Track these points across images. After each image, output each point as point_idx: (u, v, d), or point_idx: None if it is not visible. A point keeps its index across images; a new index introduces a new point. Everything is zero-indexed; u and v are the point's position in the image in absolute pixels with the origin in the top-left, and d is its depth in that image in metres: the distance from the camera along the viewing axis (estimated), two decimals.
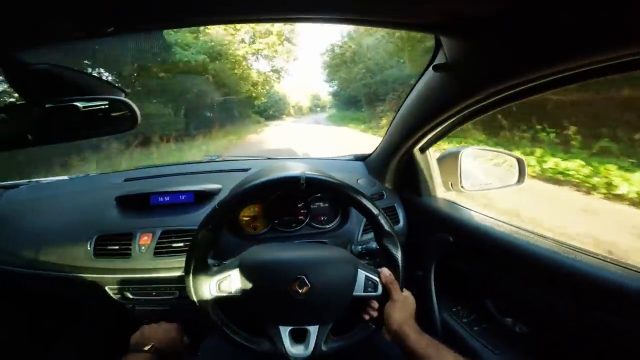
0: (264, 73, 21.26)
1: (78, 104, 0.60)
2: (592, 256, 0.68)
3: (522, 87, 0.61)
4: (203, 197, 1.13)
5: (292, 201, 1.12)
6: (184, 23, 0.52)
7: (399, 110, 1.02)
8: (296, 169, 0.86)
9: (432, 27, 0.62)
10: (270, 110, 32.64)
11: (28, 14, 0.39)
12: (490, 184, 1.16)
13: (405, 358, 0.68)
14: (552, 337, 0.75)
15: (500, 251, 0.83)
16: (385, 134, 1.15)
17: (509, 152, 1.16)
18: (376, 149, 1.27)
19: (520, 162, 1.12)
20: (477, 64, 0.63)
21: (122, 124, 0.63)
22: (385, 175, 1.21)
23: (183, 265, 0.97)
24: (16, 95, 0.59)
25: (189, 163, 1.51)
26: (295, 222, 1.11)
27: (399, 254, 0.74)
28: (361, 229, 1.08)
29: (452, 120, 0.85)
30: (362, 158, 1.40)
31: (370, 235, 1.06)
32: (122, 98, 0.61)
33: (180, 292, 1.02)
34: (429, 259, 1.02)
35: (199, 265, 0.72)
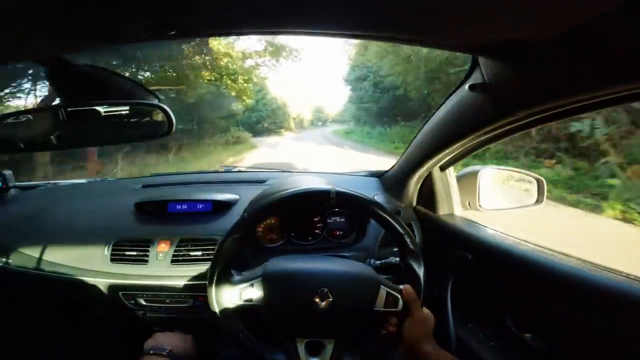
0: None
1: (117, 107, 0.60)
2: (616, 273, 0.68)
3: (558, 110, 0.62)
4: (221, 207, 1.14)
5: (309, 215, 1.12)
6: (236, 31, 0.52)
7: (422, 127, 1.03)
8: (316, 183, 0.85)
9: (472, 49, 0.63)
10: (265, 122, 29.00)
11: (96, 14, 0.38)
12: (509, 204, 1.16)
13: None
14: (572, 353, 0.74)
15: (520, 269, 0.82)
16: (405, 150, 1.16)
17: (528, 172, 1.16)
18: (394, 165, 1.28)
19: (539, 182, 1.12)
20: (515, 86, 0.64)
21: (159, 130, 0.64)
22: (402, 192, 1.21)
23: (199, 274, 0.98)
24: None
25: (206, 172, 1.54)
26: (311, 236, 1.11)
27: (421, 272, 0.74)
28: (378, 243, 1.07)
29: (480, 139, 0.85)
30: (377, 174, 1.41)
31: (388, 250, 1.06)
32: (160, 104, 0.61)
33: (193, 301, 1.02)
34: (446, 276, 1.01)
35: (222, 273, 0.72)
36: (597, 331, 0.66)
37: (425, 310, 0.75)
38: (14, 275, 1.11)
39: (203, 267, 0.99)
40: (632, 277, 0.66)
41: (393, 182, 1.26)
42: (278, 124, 33.34)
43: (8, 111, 0.59)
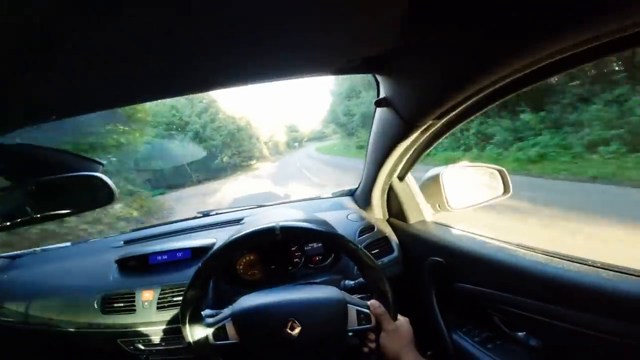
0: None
1: (54, 182, 0.59)
2: (589, 265, 0.69)
3: (460, 109, 0.65)
4: (199, 252, 1.18)
5: (286, 246, 1.14)
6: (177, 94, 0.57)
7: (367, 144, 1.07)
8: (289, 217, 0.87)
9: (363, 68, 0.67)
10: (223, 154, 22.49)
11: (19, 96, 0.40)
12: (478, 199, 1.17)
13: None
14: (567, 348, 0.73)
15: (493, 268, 0.84)
16: (364, 167, 1.18)
17: (488, 165, 1.18)
18: (360, 182, 1.30)
19: (501, 173, 1.15)
20: (408, 95, 0.67)
21: (100, 198, 0.65)
22: (373, 207, 1.23)
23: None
24: None
25: (184, 220, 1.55)
26: (291, 265, 1.13)
27: (385, 285, 0.75)
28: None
29: (414, 147, 0.89)
30: (349, 193, 1.43)
31: None
32: (97, 174, 0.62)
33: None
34: (427, 284, 1.02)
35: (192, 320, 0.75)
36: (584, 325, 0.66)
37: (400, 320, 0.76)
38: (20, 331, 1.17)
39: None
40: (598, 265, 0.67)
41: (363, 198, 1.28)
42: (245, 154, 25.40)
43: None
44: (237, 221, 1.36)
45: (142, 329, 1.06)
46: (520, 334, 0.85)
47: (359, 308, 0.74)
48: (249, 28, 0.41)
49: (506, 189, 1.15)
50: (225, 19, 0.39)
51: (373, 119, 0.94)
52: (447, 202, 1.11)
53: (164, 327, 1.05)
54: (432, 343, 0.93)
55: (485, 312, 0.92)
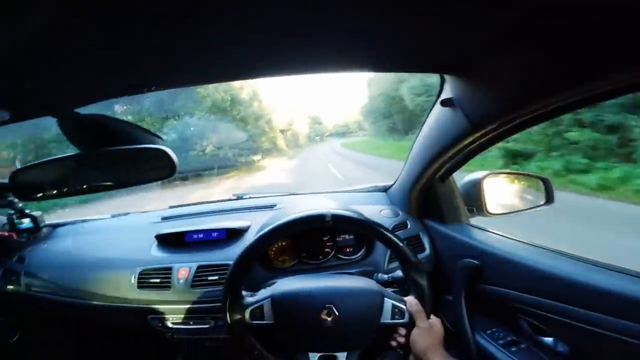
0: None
1: (120, 153, 0.63)
2: (625, 273, 0.68)
3: (529, 116, 0.64)
4: (233, 234, 1.20)
5: (319, 235, 1.15)
6: (212, 80, 0.58)
7: (414, 142, 1.06)
8: (322, 206, 0.88)
9: (432, 68, 0.67)
10: (232, 149, 14.89)
11: (89, 75, 0.42)
12: (517, 207, 1.15)
13: None
14: (596, 355, 0.73)
15: (530, 272, 0.83)
16: (405, 164, 1.18)
17: (532, 173, 1.16)
18: (397, 179, 1.30)
19: (545, 182, 1.11)
20: (479, 97, 0.67)
21: (162, 170, 0.67)
22: (408, 205, 1.23)
23: (218, 296, 1.02)
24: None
25: (219, 201, 1.60)
26: (322, 255, 1.14)
27: (424, 283, 0.76)
28: (387, 258, 1.09)
29: (468, 149, 0.87)
30: (383, 189, 1.43)
31: (396, 264, 1.07)
32: (162, 147, 0.65)
33: (215, 322, 1.08)
34: (457, 285, 1.02)
35: (233, 298, 0.77)
36: (615, 331, 0.65)
37: (433, 320, 0.77)
38: (51, 303, 1.22)
39: (220, 290, 1.04)
40: (633, 273, 0.66)
41: (398, 195, 1.28)
42: (246, 145, 16.94)
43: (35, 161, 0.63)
44: (271, 207, 1.38)
45: (173, 306, 1.09)
46: (547, 339, 0.84)
47: (395, 302, 0.75)
48: (322, 15, 0.42)
49: (549, 199, 1.12)
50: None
51: (426, 117, 0.93)
52: (486, 207, 1.10)
53: (194, 305, 1.07)
54: (456, 344, 0.94)
55: (514, 315, 0.92)
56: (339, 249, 1.14)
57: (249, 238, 1.16)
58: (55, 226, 1.51)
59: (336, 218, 0.75)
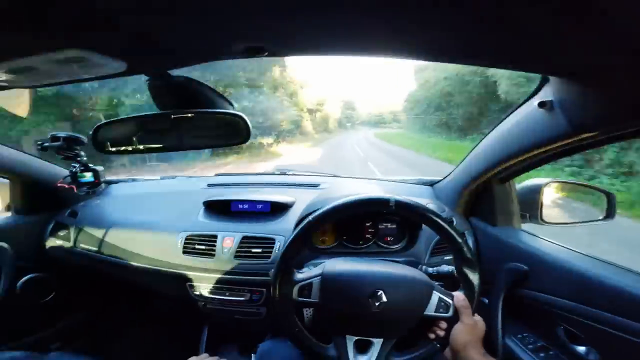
0: None
1: (201, 115, 0.65)
2: None
3: (631, 130, 0.61)
4: (278, 208, 1.21)
5: (361, 219, 1.15)
6: (323, 53, 0.56)
7: (482, 139, 1.02)
8: (367, 191, 0.89)
9: (544, 70, 0.63)
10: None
11: (202, 36, 0.44)
12: (574, 219, 1.10)
13: None
14: None
15: (578, 281, 0.81)
16: (461, 162, 1.15)
17: (596, 186, 1.10)
18: (448, 174, 1.27)
19: (609, 196, 1.05)
20: (587, 106, 0.63)
21: (237, 137, 0.69)
22: (457, 201, 1.20)
23: (258, 269, 1.06)
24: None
25: (262, 174, 1.61)
26: (362, 240, 1.13)
27: (476, 281, 0.75)
28: (429, 252, 1.08)
29: (546, 155, 0.84)
30: (429, 183, 1.40)
31: (438, 258, 1.07)
32: (240, 114, 0.66)
33: (250, 295, 1.10)
34: (498, 287, 1.00)
35: (285, 271, 0.77)
36: None
37: (477, 317, 0.77)
38: (95, 261, 1.26)
39: (262, 263, 1.07)
40: None
41: (447, 191, 1.25)
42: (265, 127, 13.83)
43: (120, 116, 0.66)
44: (314, 186, 1.38)
45: (213, 275, 1.09)
46: (580, 347, 0.83)
47: (442, 296, 0.75)
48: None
49: (609, 215, 1.06)
50: None
51: (506, 116, 0.89)
52: (541, 215, 1.06)
53: (234, 276, 1.08)
54: (484, 343, 0.94)
55: (551, 322, 0.90)
56: (380, 237, 1.13)
57: (293, 215, 1.17)
58: (109, 183, 1.57)
59: (399, 204, 0.74)
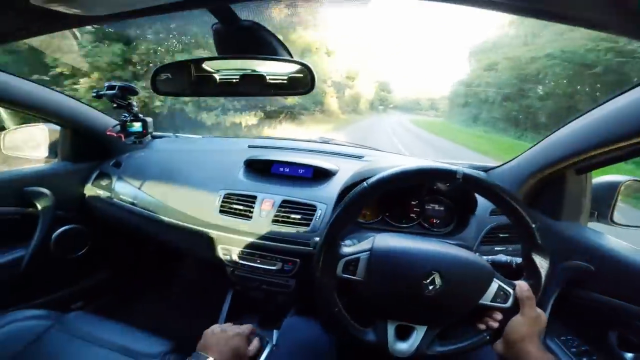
0: None
1: (268, 62, 0.63)
2: None
3: None
4: (320, 174, 1.15)
5: (407, 197, 1.09)
6: None
7: (567, 123, 0.90)
8: (406, 164, 0.81)
9: None
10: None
11: None
12: None
13: None
14: None
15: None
16: (532, 146, 1.05)
17: None
18: (510, 160, 1.17)
19: None
20: None
21: (301, 86, 0.65)
22: (518, 190, 1.09)
23: (295, 237, 1.01)
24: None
25: (305, 140, 1.56)
26: (405, 219, 1.08)
27: (544, 271, 0.67)
28: (479, 239, 1.01)
29: None
30: (482, 169, 1.30)
31: (489, 247, 1.00)
32: (306, 62, 0.64)
33: (282, 264, 1.05)
34: (553, 284, 0.93)
35: (332, 243, 0.70)
36: None
37: (539, 310, 0.69)
38: (133, 214, 1.27)
39: (300, 230, 1.02)
40: None
41: (507, 178, 1.15)
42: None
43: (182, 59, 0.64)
44: (358, 157, 1.32)
45: (248, 239, 1.05)
46: (629, 354, 0.78)
47: (503, 285, 0.67)
48: None
49: None
50: None
51: (610, 98, 0.78)
52: (612, 216, 0.96)
53: (269, 243, 1.03)
54: None
55: (602, 327, 0.85)
56: (426, 218, 1.08)
57: (336, 183, 1.11)
58: (154, 137, 1.59)
59: (467, 178, 0.66)
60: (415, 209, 1.08)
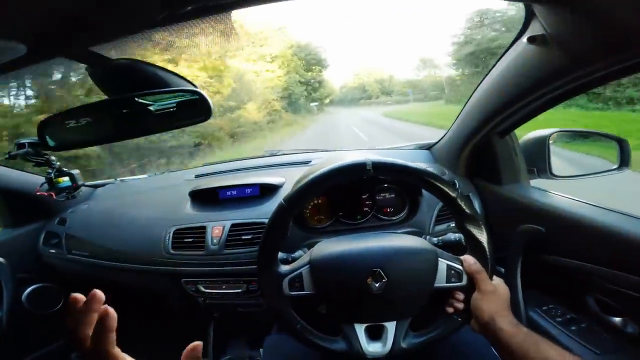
0: None
1: (154, 97, 0.59)
2: None
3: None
4: (268, 190, 1.16)
5: (357, 192, 1.08)
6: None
7: (474, 91, 0.93)
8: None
9: None
10: None
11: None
12: (586, 170, 1.02)
13: (495, 354, 0.62)
14: None
15: (607, 243, 0.72)
16: (457, 118, 1.06)
17: (607, 134, 1.01)
18: (444, 135, 1.20)
19: (622, 143, 0.97)
20: (583, 35, 0.54)
21: (197, 115, 0.61)
22: (457, 163, 1.12)
23: (251, 257, 1.00)
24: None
25: (252, 158, 1.56)
26: (360, 214, 1.07)
27: (484, 238, 0.66)
28: (433, 219, 1.01)
29: (545, 98, 0.75)
30: (426, 147, 1.33)
31: (444, 226, 1.00)
32: (196, 89, 0.60)
33: (247, 286, 1.05)
34: (514, 253, 0.92)
35: (267, 266, 0.69)
36: None
37: (496, 281, 0.68)
38: (91, 266, 1.24)
39: (254, 250, 1.01)
40: None
41: (445, 153, 1.18)
42: None
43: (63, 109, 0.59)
44: (305, 163, 1.32)
45: (207, 268, 1.06)
46: (616, 318, 0.76)
47: (450, 263, 0.66)
48: None
49: (623, 163, 0.98)
50: None
51: (497, 60, 0.80)
52: (550, 169, 0.98)
53: (227, 268, 1.04)
54: None
55: (579, 291, 0.82)
56: (379, 209, 1.07)
57: (283, 195, 1.10)
58: (95, 187, 1.53)
59: (377, 166, 0.66)
60: (367, 202, 1.08)
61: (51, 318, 1.39)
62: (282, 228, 0.70)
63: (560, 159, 1.03)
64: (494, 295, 0.64)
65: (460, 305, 0.68)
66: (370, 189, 1.08)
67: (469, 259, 0.66)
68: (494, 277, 0.68)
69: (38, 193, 1.18)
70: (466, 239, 0.68)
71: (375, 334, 0.68)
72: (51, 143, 0.62)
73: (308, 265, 0.68)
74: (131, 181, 1.61)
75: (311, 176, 0.68)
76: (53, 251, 1.34)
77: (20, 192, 1.33)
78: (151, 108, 0.58)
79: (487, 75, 0.86)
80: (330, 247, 0.71)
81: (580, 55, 0.58)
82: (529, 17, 0.63)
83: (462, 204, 0.65)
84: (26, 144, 1.05)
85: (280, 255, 0.77)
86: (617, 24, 0.49)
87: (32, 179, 1.36)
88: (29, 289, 1.32)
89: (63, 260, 1.32)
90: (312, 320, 0.71)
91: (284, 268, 0.70)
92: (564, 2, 0.52)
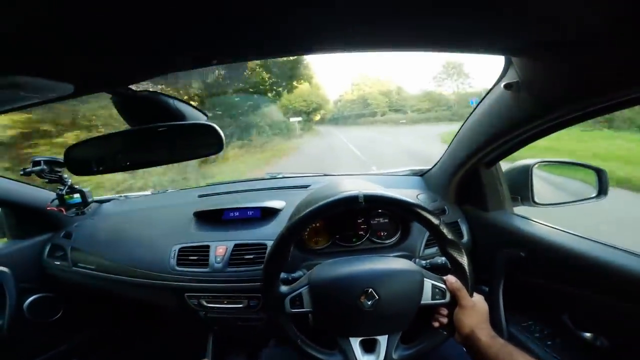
0: None
1: (171, 129, 0.64)
2: None
3: (598, 106, 0.61)
4: (269, 213, 1.21)
5: (353, 217, 1.14)
6: (276, 54, 0.56)
7: (462, 125, 1.01)
8: (354, 188, 0.89)
9: (505, 51, 0.62)
10: None
11: (148, 50, 0.43)
12: (567, 198, 1.08)
13: None
14: (637, 350, 0.72)
15: (579, 266, 0.80)
16: (447, 148, 1.14)
17: (586, 164, 1.08)
18: (436, 164, 1.26)
19: (600, 173, 1.04)
20: (551, 84, 0.63)
21: (209, 149, 0.68)
22: (447, 190, 1.19)
23: (252, 275, 1.06)
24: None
25: (253, 180, 1.62)
26: (355, 237, 1.13)
27: (464, 261, 0.74)
28: (423, 243, 1.07)
29: (523, 136, 0.83)
30: (419, 173, 1.40)
31: (434, 249, 1.06)
32: (211, 124, 0.65)
33: (248, 301, 1.10)
34: (497, 274, 0.99)
35: (271, 288, 0.77)
36: None
37: (476, 297, 0.75)
38: (95, 279, 1.28)
39: (256, 269, 1.07)
40: None
41: (436, 180, 1.24)
42: None
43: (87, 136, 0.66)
44: (304, 187, 1.38)
45: (209, 284, 1.11)
46: (587, 334, 0.82)
47: (435, 282, 0.74)
48: None
49: (602, 192, 1.04)
50: None
51: (480, 101, 0.89)
52: (533, 197, 1.05)
53: (229, 284, 1.09)
54: None
55: (555, 309, 0.89)
56: (373, 233, 1.13)
57: (283, 218, 1.17)
58: (101, 202, 1.58)
59: (368, 198, 0.73)
60: (362, 226, 1.14)
61: (51, 326, 1.44)
62: (283, 254, 0.77)
63: (546, 183, 1.10)
64: (474, 310, 0.72)
65: (445, 320, 0.76)
66: (366, 214, 1.14)
67: (451, 278, 0.74)
68: (474, 294, 0.75)
69: (48, 208, 1.24)
70: (449, 261, 0.76)
71: (369, 347, 0.75)
72: (75, 168, 0.68)
73: (307, 286, 0.76)
74: (135, 198, 1.66)
75: (309, 209, 0.76)
76: (58, 263, 1.38)
77: (31, 206, 1.39)
78: (169, 138, 0.64)
79: (472, 113, 0.94)
80: (327, 269, 0.78)
81: (548, 102, 0.66)
82: (507, 65, 0.71)
83: (444, 231, 0.73)
84: (42, 162, 1.11)
85: (282, 275, 0.83)
86: (582, 76, 0.56)
87: (42, 194, 1.42)
88: (30, 298, 1.38)
89: (67, 272, 1.36)
90: (311, 336, 0.78)
91: (285, 288, 0.78)
92: (535, 55, 0.59)
